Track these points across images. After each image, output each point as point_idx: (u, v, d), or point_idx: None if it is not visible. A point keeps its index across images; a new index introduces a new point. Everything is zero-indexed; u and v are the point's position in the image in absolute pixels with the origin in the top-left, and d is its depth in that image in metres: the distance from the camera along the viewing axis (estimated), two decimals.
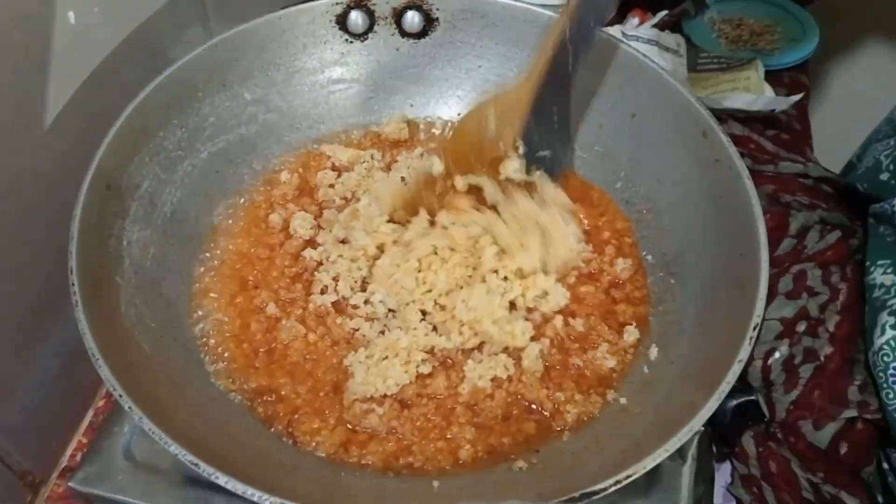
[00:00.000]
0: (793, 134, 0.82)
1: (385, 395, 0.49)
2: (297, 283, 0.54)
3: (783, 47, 0.91)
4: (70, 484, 0.51)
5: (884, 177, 0.66)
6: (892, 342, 0.55)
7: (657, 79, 0.54)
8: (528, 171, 0.54)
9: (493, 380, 0.49)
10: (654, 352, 0.50)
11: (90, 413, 0.66)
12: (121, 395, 0.39)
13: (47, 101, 0.53)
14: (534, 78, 0.51)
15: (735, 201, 0.48)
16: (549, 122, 0.53)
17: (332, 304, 0.53)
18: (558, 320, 0.52)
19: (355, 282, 0.53)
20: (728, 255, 0.48)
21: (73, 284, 0.42)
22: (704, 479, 0.54)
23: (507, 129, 0.52)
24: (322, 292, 0.53)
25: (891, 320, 0.56)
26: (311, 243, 0.56)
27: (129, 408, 0.38)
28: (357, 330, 0.51)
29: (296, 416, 0.48)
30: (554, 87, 0.52)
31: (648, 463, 0.38)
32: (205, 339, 0.51)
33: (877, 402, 0.56)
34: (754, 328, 0.42)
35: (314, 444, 0.47)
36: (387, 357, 0.49)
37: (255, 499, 0.36)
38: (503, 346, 0.50)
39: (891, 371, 0.55)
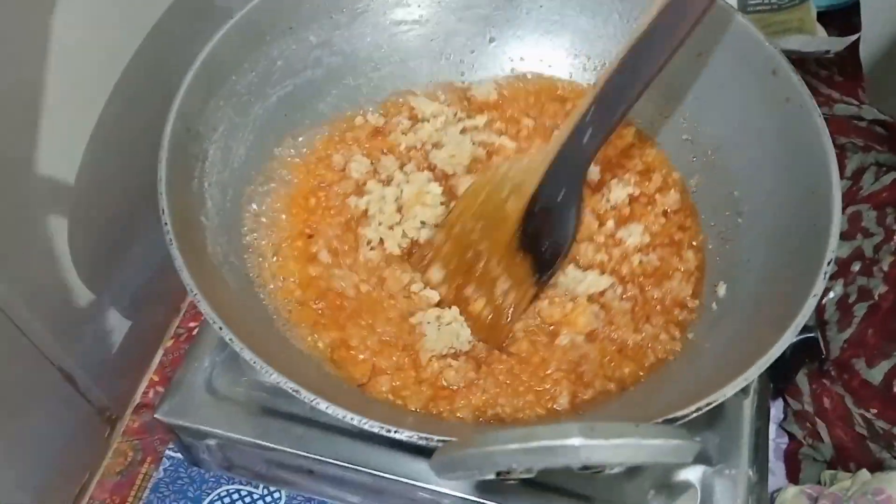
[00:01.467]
0: (846, 76, 0.81)
1: (460, 352, 0.50)
2: (349, 233, 0.55)
3: None
4: (155, 415, 0.53)
5: None
6: None
7: (724, 16, 0.54)
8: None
9: (587, 334, 0.51)
10: (722, 289, 0.51)
11: (160, 353, 0.69)
12: (220, 328, 0.40)
13: (117, 50, 0.54)
14: (549, 153, 0.50)
15: (806, 140, 0.49)
16: (553, 206, 0.50)
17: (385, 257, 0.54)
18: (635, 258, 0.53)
19: (400, 247, 0.55)
20: (799, 193, 0.48)
21: (165, 224, 0.44)
22: (762, 414, 0.55)
23: (516, 200, 0.51)
24: (370, 247, 0.54)
25: None
26: (360, 190, 0.57)
27: (230, 339, 0.40)
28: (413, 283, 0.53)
29: (374, 378, 0.49)
30: (566, 167, 0.49)
31: (728, 391, 0.39)
32: (277, 284, 0.52)
33: None
34: (828, 263, 0.43)
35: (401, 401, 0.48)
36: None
37: (354, 422, 0.38)
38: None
39: None
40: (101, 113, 0.53)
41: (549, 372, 0.49)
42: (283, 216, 0.55)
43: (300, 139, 0.58)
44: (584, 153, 0.49)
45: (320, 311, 0.52)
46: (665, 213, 0.56)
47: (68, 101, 0.50)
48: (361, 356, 0.49)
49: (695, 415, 0.39)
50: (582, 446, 0.30)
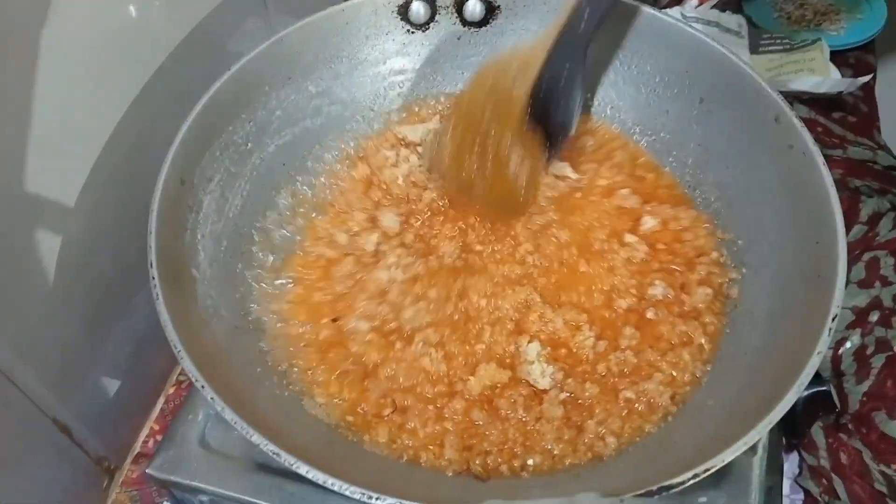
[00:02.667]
0: (860, 116, 0.80)
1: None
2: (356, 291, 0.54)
3: (848, 26, 0.88)
4: (147, 471, 0.52)
5: None
6: None
7: (725, 62, 0.53)
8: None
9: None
10: (726, 342, 0.50)
11: (161, 400, 0.68)
12: (203, 386, 0.40)
13: (115, 98, 0.54)
14: (550, 36, 0.52)
15: (810, 188, 0.47)
16: (559, 79, 0.53)
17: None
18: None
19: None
20: (803, 243, 0.47)
21: (153, 278, 0.43)
22: (774, 471, 0.53)
23: (523, 79, 0.52)
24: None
25: None
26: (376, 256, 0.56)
27: (211, 398, 0.39)
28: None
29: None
30: (568, 45, 0.52)
31: (727, 456, 0.38)
32: (273, 332, 0.52)
33: None
34: (833, 318, 0.41)
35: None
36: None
37: (335, 488, 0.37)
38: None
39: None
40: (100, 156, 0.53)
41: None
42: (278, 268, 0.55)
43: (297, 191, 0.58)
44: (585, 31, 0.51)
45: (326, 367, 0.51)
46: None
47: (65, 150, 0.50)
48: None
49: (692, 482, 0.37)
50: None
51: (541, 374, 0.49)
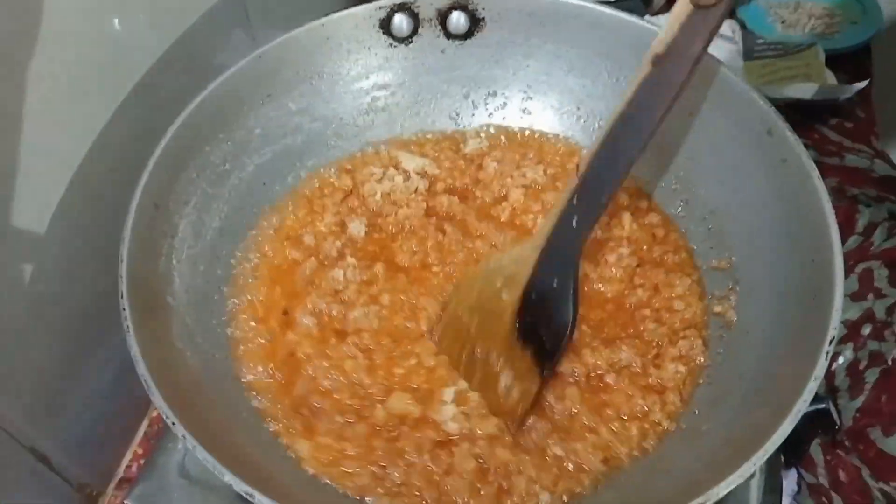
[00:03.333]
0: (856, 122, 0.78)
1: None
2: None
3: (843, 30, 0.87)
4: (126, 502, 0.51)
5: None
6: None
7: (715, 73, 0.52)
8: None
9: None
10: (720, 364, 0.48)
11: (144, 424, 0.66)
12: (174, 423, 0.38)
13: (93, 112, 0.52)
14: (540, 238, 0.48)
15: (805, 203, 0.46)
16: (547, 294, 0.48)
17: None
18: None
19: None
20: (798, 261, 0.45)
21: (123, 310, 0.42)
22: (772, 491, 0.52)
23: (509, 295, 0.49)
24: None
25: None
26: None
27: (183, 436, 0.38)
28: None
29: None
30: (557, 256, 0.48)
31: (721, 490, 0.36)
32: (248, 360, 0.51)
33: None
34: (830, 342, 0.40)
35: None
36: None
37: None
38: None
39: None
40: (73, 178, 0.51)
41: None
42: (257, 293, 0.53)
43: (277, 211, 0.57)
44: (575, 239, 0.47)
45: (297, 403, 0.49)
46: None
47: (37, 173, 0.48)
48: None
49: None
50: None
51: (451, 417, 0.47)
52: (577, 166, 0.46)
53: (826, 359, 0.39)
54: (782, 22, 0.88)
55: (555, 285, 0.47)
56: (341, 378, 0.49)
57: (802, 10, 0.89)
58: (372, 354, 0.50)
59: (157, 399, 0.39)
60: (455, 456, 0.46)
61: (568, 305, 0.47)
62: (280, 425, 0.48)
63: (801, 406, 0.38)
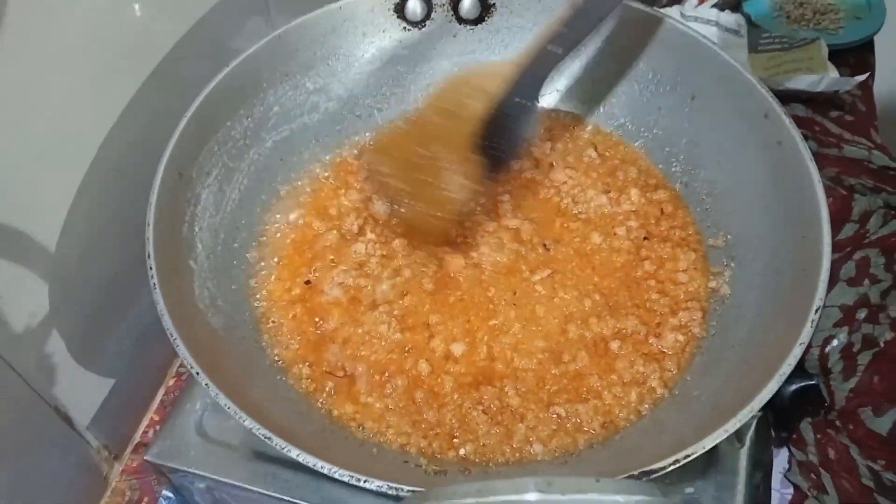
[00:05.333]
0: (857, 115, 0.80)
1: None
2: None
3: (847, 26, 0.88)
4: (146, 457, 0.53)
5: None
6: None
7: (717, 60, 0.54)
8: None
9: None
10: (713, 335, 0.50)
11: (161, 391, 0.69)
12: (198, 373, 0.40)
13: (116, 95, 0.55)
14: (524, 58, 0.51)
15: (798, 184, 0.48)
16: (516, 105, 0.52)
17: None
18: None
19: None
20: (790, 238, 0.47)
21: (150, 269, 0.44)
22: (762, 464, 0.54)
23: (481, 98, 0.52)
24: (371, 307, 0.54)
25: None
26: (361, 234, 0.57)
27: (206, 384, 0.40)
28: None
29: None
30: (528, 79, 0.52)
31: (708, 443, 0.38)
32: (271, 324, 0.53)
33: None
34: (816, 310, 0.42)
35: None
36: None
37: (325, 471, 0.38)
38: None
39: None
40: (98, 153, 0.54)
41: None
42: (278, 262, 0.56)
43: (295, 186, 0.59)
44: (550, 63, 0.51)
45: (315, 351, 0.52)
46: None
47: (63, 148, 0.50)
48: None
49: (672, 467, 0.38)
50: (538, 502, 0.29)
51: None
52: None
53: (812, 326, 0.41)
54: (787, 17, 0.90)
55: (524, 101, 0.52)
56: (376, 340, 0.52)
57: (807, 6, 0.91)
58: (406, 319, 0.53)
59: (182, 349, 0.41)
60: (486, 395, 0.49)
61: (530, 120, 0.53)
62: (312, 387, 0.50)
63: (787, 369, 0.40)
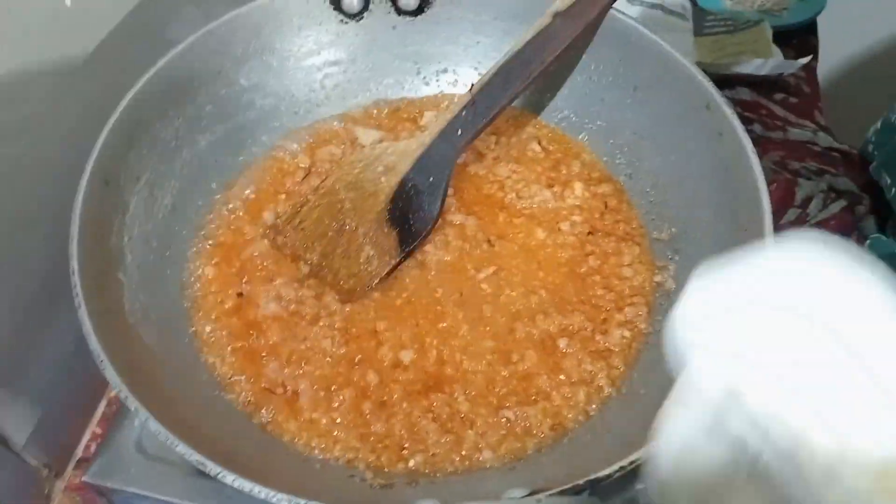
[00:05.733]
0: (802, 97, 0.80)
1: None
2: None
3: (791, 7, 0.89)
4: (83, 479, 0.51)
5: None
6: None
7: (658, 50, 0.53)
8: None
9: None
10: (659, 331, 0.50)
11: (103, 403, 0.66)
12: (126, 396, 0.39)
13: (42, 89, 0.52)
14: (428, 137, 0.54)
15: (739, 175, 0.47)
16: (422, 189, 0.54)
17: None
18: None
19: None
20: (732, 231, 0.47)
21: (75, 286, 0.42)
22: None
23: (388, 180, 0.55)
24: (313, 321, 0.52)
25: None
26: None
27: (135, 408, 0.38)
28: None
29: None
30: (438, 155, 0.54)
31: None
32: (208, 338, 0.51)
33: None
34: None
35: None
36: None
37: (262, 496, 0.36)
38: None
39: None
40: (21, 155, 0.51)
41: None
42: (213, 271, 0.54)
43: (231, 187, 0.57)
44: (456, 145, 0.54)
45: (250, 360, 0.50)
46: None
47: None
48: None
49: (618, 474, 0.37)
50: None
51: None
52: (472, 85, 0.54)
53: None
54: None
55: (431, 180, 0.54)
56: (319, 355, 0.50)
57: None
58: (349, 329, 0.51)
59: (109, 372, 0.39)
60: (436, 401, 0.48)
61: (437, 200, 0.54)
62: (251, 403, 0.48)
63: None
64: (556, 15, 0.52)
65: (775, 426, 0.23)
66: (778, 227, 0.56)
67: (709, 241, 0.50)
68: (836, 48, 0.90)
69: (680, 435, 0.26)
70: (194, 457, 0.37)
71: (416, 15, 0.60)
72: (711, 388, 0.25)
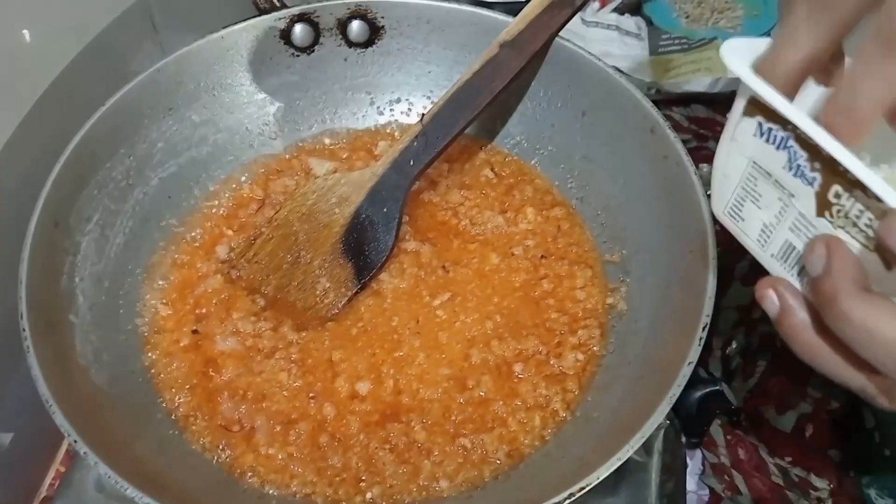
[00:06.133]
0: None
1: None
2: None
3: (745, 23, 0.90)
4: None
5: None
6: None
7: (603, 76, 0.54)
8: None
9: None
10: (612, 353, 0.50)
11: (66, 441, 0.66)
12: (75, 441, 0.39)
13: None
14: (380, 168, 0.54)
15: (683, 197, 0.48)
16: (378, 214, 0.55)
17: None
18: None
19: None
20: (679, 253, 0.48)
21: (24, 330, 0.42)
22: (674, 471, 0.54)
23: (341, 211, 0.55)
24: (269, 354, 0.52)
25: None
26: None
27: (84, 452, 0.38)
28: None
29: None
30: (391, 185, 0.54)
31: (602, 473, 0.38)
32: (161, 376, 0.51)
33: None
34: (704, 328, 0.42)
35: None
36: None
37: None
38: None
39: None
40: None
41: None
42: (167, 309, 0.53)
43: (184, 223, 0.57)
44: (408, 176, 0.54)
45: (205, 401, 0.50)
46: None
47: None
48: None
49: (569, 501, 0.38)
50: None
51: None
52: (422, 116, 0.54)
53: (699, 344, 0.42)
54: (686, 17, 0.91)
55: (384, 210, 0.54)
56: (276, 389, 0.50)
57: (706, 5, 0.92)
58: (305, 361, 0.51)
59: (58, 417, 0.39)
60: (393, 432, 0.48)
61: (391, 231, 0.54)
62: (207, 440, 0.48)
63: (676, 391, 0.40)
64: (503, 45, 0.53)
65: None
66: (731, 240, 0.57)
67: (658, 262, 0.50)
68: None
69: None
70: (144, 500, 0.37)
71: (366, 47, 0.61)
72: None
